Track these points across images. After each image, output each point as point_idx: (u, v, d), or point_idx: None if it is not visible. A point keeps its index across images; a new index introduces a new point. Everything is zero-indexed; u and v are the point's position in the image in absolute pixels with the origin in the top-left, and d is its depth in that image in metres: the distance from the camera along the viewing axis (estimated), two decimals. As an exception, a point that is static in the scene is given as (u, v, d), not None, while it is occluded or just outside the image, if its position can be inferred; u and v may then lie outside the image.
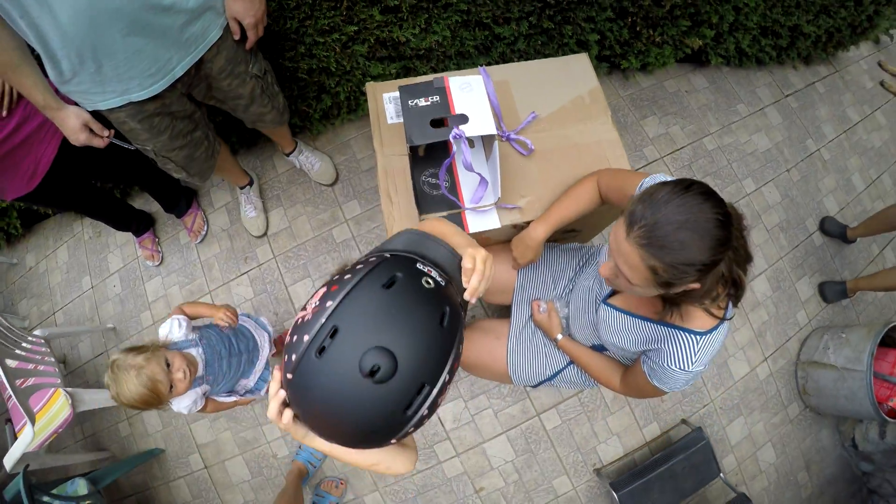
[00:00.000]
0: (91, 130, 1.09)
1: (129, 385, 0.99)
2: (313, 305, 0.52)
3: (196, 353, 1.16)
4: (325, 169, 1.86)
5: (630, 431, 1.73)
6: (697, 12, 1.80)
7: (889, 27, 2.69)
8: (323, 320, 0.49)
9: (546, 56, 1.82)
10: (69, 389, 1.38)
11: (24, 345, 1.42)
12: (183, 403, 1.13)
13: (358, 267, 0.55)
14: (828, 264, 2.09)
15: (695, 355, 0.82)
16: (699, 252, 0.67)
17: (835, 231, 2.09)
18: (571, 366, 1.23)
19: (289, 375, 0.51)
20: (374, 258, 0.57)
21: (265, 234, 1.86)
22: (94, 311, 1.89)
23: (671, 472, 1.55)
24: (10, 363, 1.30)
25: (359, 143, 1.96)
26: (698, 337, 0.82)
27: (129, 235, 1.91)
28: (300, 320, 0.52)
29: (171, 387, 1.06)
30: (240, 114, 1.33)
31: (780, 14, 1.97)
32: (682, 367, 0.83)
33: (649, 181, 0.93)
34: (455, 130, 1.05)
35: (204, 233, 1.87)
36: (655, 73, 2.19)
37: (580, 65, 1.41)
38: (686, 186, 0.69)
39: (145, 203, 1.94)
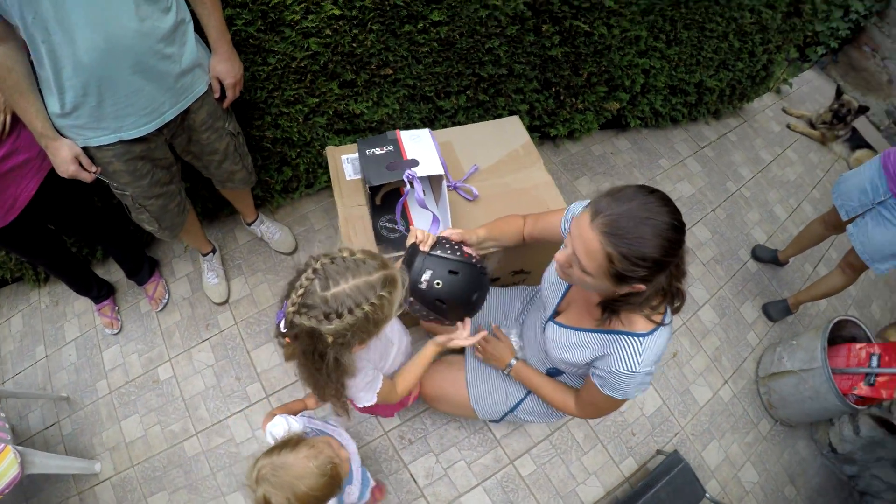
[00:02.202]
0: (80, 164, 1.14)
1: (307, 480, 0.84)
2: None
3: None
4: (284, 238, 1.94)
5: (607, 469, 1.71)
6: (612, 78, 2.11)
7: (787, 77, 3.14)
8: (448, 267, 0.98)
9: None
10: (20, 448, 1.28)
11: (-27, 398, 1.32)
12: None
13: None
14: (767, 287, 2.26)
15: (640, 355, 0.87)
16: (653, 249, 0.73)
17: (766, 256, 2.29)
18: (532, 395, 1.26)
19: (437, 283, 0.96)
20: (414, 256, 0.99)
21: (227, 301, 1.87)
22: (46, 381, 1.79)
23: (656, 499, 1.51)
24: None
25: (316, 216, 2.07)
26: (641, 338, 0.87)
27: (87, 304, 1.88)
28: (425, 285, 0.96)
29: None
30: (213, 170, 1.42)
31: (684, 73, 2.30)
32: (630, 369, 0.88)
33: (571, 209, 1.05)
34: (408, 171, 1.20)
35: (165, 301, 1.87)
36: (583, 139, 2.48)
37: (512, 125, 1.62)
38: (650, 191, 0.77)
39: (106, 273, 1.94)
